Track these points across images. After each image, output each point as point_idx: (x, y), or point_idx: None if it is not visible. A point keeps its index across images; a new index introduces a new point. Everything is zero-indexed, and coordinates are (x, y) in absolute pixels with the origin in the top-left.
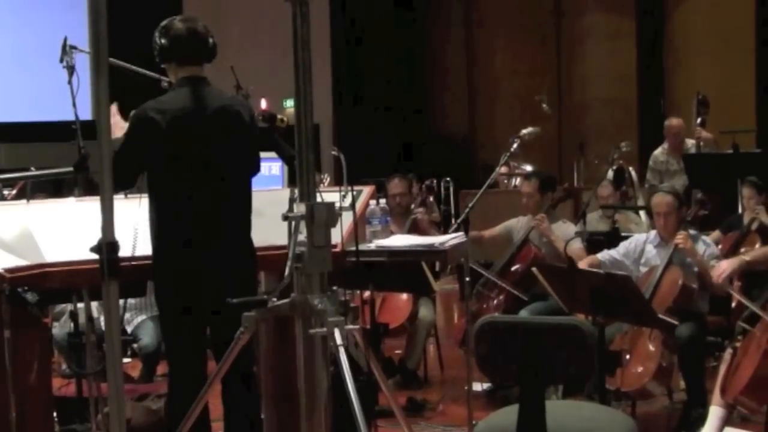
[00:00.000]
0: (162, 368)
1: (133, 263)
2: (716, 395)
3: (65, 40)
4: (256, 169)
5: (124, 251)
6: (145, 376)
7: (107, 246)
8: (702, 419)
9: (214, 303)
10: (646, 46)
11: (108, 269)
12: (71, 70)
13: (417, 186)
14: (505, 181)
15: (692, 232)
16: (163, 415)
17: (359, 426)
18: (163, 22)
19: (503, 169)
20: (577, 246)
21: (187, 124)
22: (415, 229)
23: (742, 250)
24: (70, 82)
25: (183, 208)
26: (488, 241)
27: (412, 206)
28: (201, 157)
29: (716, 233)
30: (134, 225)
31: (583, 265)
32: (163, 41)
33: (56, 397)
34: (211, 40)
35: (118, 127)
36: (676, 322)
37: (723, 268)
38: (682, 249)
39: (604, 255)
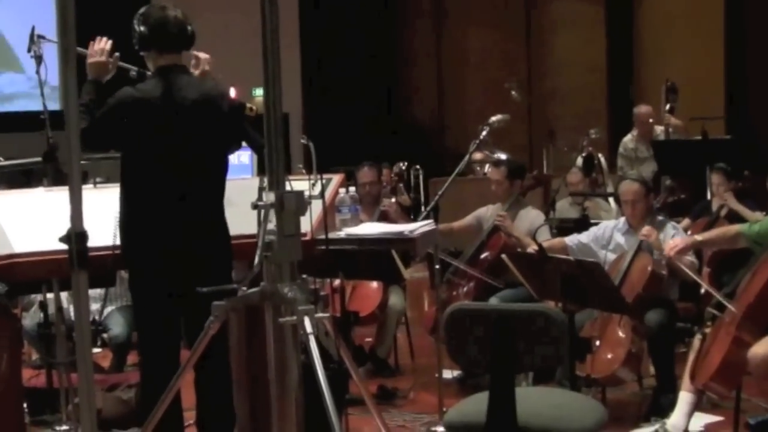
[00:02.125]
0: (133, 358)
1: (111, 252)
2: (686, 381)
3: (33, 29)
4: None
5: (94, 241)
6: (115, 366)
7: (76, 236)
8: (672, 405)
9: (186, 292)
10: (615, 34)
11: (77, 259)
12: (39, 59)
13: (387, 174)
14: (478, 168)
15: (660, 218)
16: (135, 405)
17: (330, 414)
18: (142, 10)
19: (477, 156)
20: (544, 238)
21: (166, 112)
22: (384, 217)
23: None
24: (38, 72)
25: (157, 196)
26: (459, 232)
27: (387, 198)
28: (177, 146)
29: (686, 220)
30: (114, 215)
31: (548, 245)
32: (142, 29)
33: (26, 387)
34: (189, 28)
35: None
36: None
37: (676, 242)
38: (646, 241)
39: (572, 239)
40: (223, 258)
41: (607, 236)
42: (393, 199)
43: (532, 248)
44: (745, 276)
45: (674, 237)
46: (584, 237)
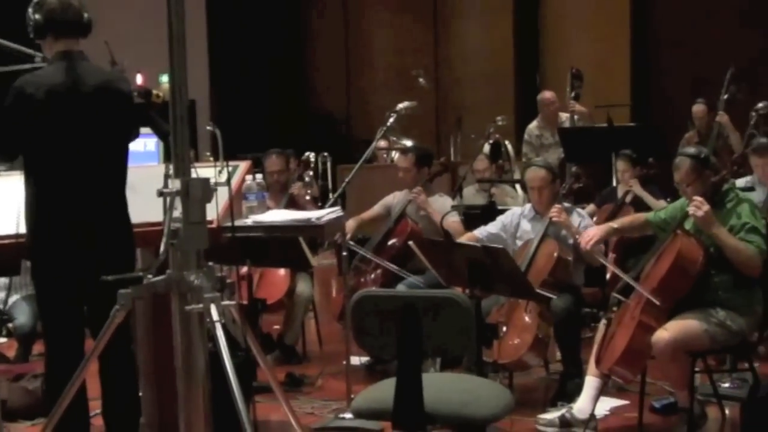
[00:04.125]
0: (38, 348)
1: (14, 241)
2: (591, 366)
3: None
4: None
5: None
6: (20, 356)
7: None
8: (578, 390)
9: (90, 281)
10: (522, 20)
11: None
12: None
13: (295, 162)
14: (384, 156)
15: (567, 205)
16: (40, 395)
17: (237, 403)
18: None
19: (382, 144)
20: (453, 219)
21: (64, 99)
22: (292, 204)
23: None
24: None
25: (59, 184)
26: (368, 222)
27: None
28: (77, 132)
29: (591, 206)
30: (16, 203)
31: (460, 239)
32: (37, 16)
33: None
34: (86, 15)
35: None
36: (553, 296)
37: (591, 234)
38: (557, 222)
39: (481, 231)
40: (127, 246)
41: (514, 223)
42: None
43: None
44: (649, 261)
45: (581, 224)
46: (492, 227)
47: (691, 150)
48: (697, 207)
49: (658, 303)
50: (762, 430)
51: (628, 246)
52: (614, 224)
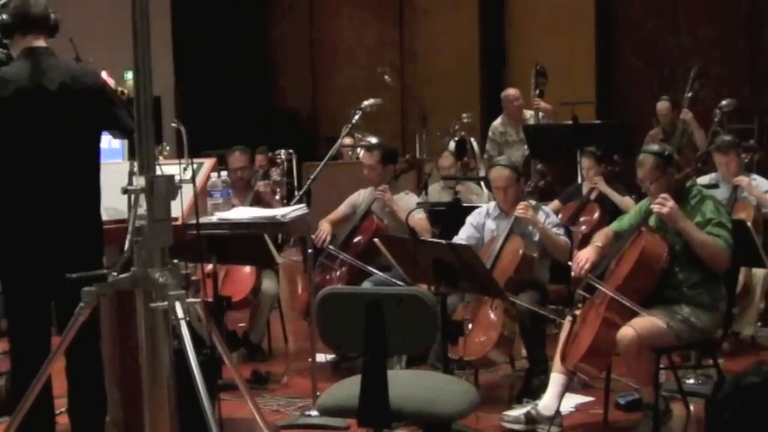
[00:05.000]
0: (3, 345)
1: None
2: (557, 362)
3: None
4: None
5: None
6: None
7: None
8: (543, 386)
9: (56, 278)
10: (488, 18)
11: None
12: None
13: (263, 159)
14: (350, 153)
15: (532, 202)
16: (5, 393)
17: (202, 400)
18: (2, 1)
19: (348, 141)
20: (419, 217)
21: (31, 95)
22: (257, 201)
23: (582, 219)
24: None
25: (26, 181)
26: (337, 223)
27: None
28: (45, 129)
29: (555, 203)
30: None
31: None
32: (3, 17)
33: None
34: (53, 16)
35: None
36: (517, 300)
37: (583, 259)
38: (523, 217)
39: (458, 240)
40: (94, 243)
41: (480, 223)
42: (266, 182)
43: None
44: (614, 259)
45: (547, 221)
46: (464, 232)
47: (655, 147)
48: (662, 204)
49: (626, 303)
50: (726, 426)
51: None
52: (598, 243)
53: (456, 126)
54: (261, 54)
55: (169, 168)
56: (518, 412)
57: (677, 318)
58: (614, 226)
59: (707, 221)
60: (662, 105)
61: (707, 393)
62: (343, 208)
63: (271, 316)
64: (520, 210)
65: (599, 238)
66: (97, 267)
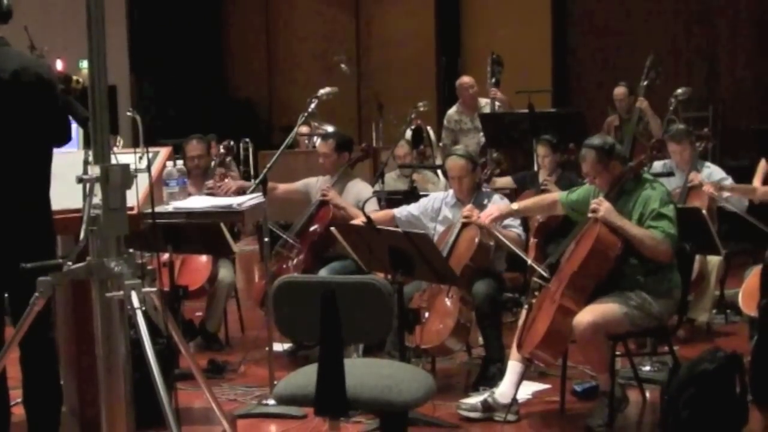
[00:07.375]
0: None
1: None
2: (514, 350)
3: None
4: (68, 136)
5: None
6: None
7: None
8: (500, 374)
9: (9, 268)
10: (443, 6)
11: None
12: None
13: (217, 148)
14: (306, 141)
15: (487, 190)
16: None
17: (159, 390)
18: None
19: (303, 129)
20: (372, 209)
21: None
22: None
23: None
24: None
25: None
26: (283, 195)
27: (212, 165)
28: None
29: (507, 179)
30: None
31: (376, 216)
32: None
33: None
34: (5, 2)
35: None
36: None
37: (490, 211)
38: (467, 223)
39: (400, 211)
40: (46, 233)
41: (435, 208)
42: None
43: (360, 220)
44: (569, 246)
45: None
46: (413, 209)
47: (596, 141)
48: (595, 210)
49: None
50: (681, 412)
51: (550, 232)
52: (515, 205)
53: (412, 114)
54: (217, 43)
55: (124, 157)
56: (475, 400)
57: (631, 304)
58: (561, 195)
59: (650, 213)
60: (619, 90)
61: (663, 380)
62: (296, 184)
63: (228, 305)
64: (465, 215)
65: (524, 202)
66: (50, 257)
